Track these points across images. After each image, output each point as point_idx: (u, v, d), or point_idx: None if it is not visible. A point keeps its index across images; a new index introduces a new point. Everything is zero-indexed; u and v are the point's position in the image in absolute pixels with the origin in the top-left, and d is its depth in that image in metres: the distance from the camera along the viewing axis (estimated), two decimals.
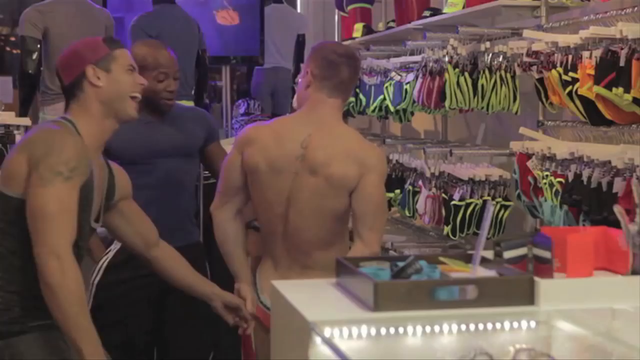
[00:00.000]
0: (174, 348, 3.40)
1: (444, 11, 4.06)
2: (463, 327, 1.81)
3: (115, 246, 3.33)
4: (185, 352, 3.38)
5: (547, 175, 3.03)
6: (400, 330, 1.78)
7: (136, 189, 3.07)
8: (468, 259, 2.04)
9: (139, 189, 3.03)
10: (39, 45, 4.82)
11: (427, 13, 4.23)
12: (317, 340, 1.71)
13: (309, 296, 2.06)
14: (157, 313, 3.35)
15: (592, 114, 2.88)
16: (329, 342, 1.67)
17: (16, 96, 4.98)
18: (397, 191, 4.20)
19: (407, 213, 4.08)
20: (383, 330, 1.78)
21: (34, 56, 4.79)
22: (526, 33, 3.29)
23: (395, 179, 4.25)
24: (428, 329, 1.80)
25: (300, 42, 6.95)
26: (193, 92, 5.51)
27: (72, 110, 2.52)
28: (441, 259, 2.08)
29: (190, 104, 5.36)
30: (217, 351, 3.75)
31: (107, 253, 3.34)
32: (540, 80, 3.18)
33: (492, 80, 3.58)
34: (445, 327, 1.80)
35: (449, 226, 3.61)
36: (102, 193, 2.58)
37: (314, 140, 2.78)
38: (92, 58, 2.51)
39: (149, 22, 5.19)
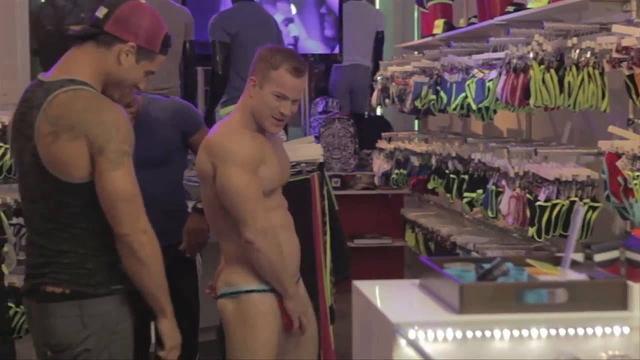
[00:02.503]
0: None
1: (528, 6, 4.01)
2: (552, 331, 1.78)
3: None
4: None
5: (638, 176, 2.96)
6: (487, 333, 1.77)
7: None
8: (556, 262, 2.00)
9: None
10: None
11: (510, 8, 4.18)
12: (402, 342, 1.71)
13: (392, 297, 2.06)
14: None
15: None
16: (414, 344, 1.67)
17: None
18: (480, 191, 4.16)
19: (489, 214, 4.03)
20: (469, 334, 1.76)
21: None
22: (615, 28, 3.21)
23: (478, 178, 4.21)
24: (515, 333, 1.78)
25: (379, 39, 6.94)
26: None
27: (76, 64, 2.46)
28: (528, 261, 2.05)
29: None
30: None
31: None
32: (631, 77, 3.10)
33: (580, 77, 3.50)
34: (534, 331, 1.78)
35: (534, 227, 3.55)
36: None
37: None
38: (143, 42, 2.49)
39: (228, 19, 5.25)
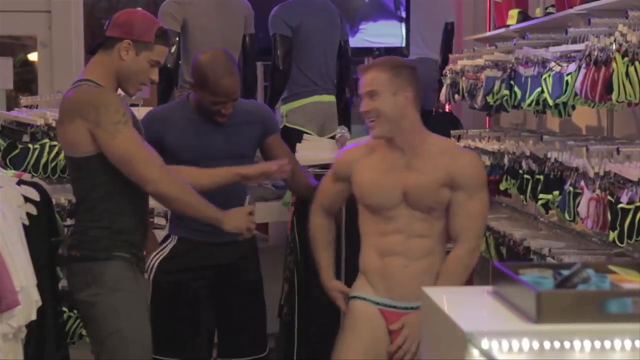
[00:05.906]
0: (233, 340, 3.65)
1: None
2: (637, 343, 1.75)
3: (169, 242, 3.65)
4: (244, 343, 3.63)
5: None
6: (566, 344, 1.75)
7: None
8: None
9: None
10: (177, 38, 4.92)
11: None
12: (475, 352, 1.69)
13: (463, 305, 2.04)
14: (216, 306, 3.60)
15: None
16: (488, 355, 1.65)
17: (154, 91, 5.13)
18: (556, 192, 4.10)
19: (566, 217, 3.97)
20: (547, 344, 1.74)
21: (172, 49, 4.81)
22: None
23: (554, 179, 4.15)
24: (597, 344, 1.75)
25: (448, 30, 6.87)
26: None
27: (90, 68, 3.11)
28: (611, 267, 2.02)
29: (331, 98, 5.42)
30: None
31: (163, 249, 3.65)
32: None
33: None
34: (617, 342, 1.75)
35: (616, 232, 3.49)
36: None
37: None
38: (136, 36, 3.08)
39: (289, 12, 5.26)
